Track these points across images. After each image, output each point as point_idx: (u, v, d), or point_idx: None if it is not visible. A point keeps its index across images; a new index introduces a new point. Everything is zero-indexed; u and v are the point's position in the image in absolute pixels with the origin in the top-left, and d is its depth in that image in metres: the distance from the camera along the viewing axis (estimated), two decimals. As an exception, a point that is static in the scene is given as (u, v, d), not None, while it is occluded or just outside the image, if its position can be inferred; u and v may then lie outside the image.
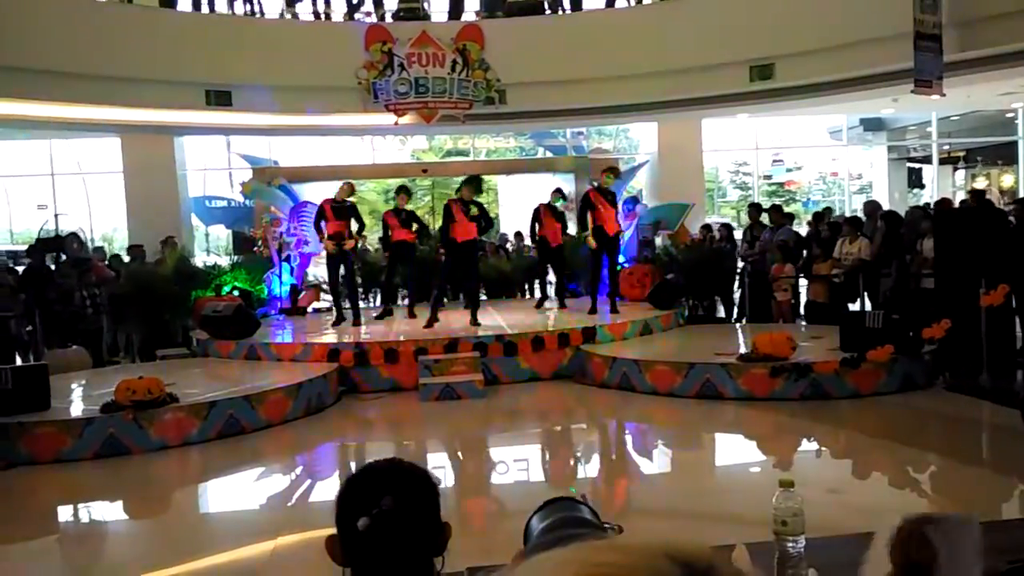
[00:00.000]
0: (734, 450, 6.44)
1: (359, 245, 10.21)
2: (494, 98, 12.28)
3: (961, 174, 18.52)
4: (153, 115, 12.10)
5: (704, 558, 0.50)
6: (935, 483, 5.14)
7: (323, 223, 9.38)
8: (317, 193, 11.76)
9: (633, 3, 12.73)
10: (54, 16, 10.59)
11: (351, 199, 9.68)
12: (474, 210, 8.90)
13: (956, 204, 11.27)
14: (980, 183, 17.90)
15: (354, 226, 9.52)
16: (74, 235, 10.53)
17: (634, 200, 12.29)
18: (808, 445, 6.32)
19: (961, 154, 18.31)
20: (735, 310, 11.26)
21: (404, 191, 9.88)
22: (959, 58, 9.97)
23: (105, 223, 17.05)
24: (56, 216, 14.62)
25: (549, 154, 19.78)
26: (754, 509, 4.18)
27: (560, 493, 1.38)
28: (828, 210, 11.84)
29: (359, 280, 10.91)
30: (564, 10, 12.85)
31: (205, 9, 12.30)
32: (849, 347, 7.14)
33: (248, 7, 12.42)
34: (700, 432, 6.75)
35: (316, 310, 11.26)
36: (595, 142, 20.95)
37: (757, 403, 6.88)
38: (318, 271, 11.41)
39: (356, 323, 9.49)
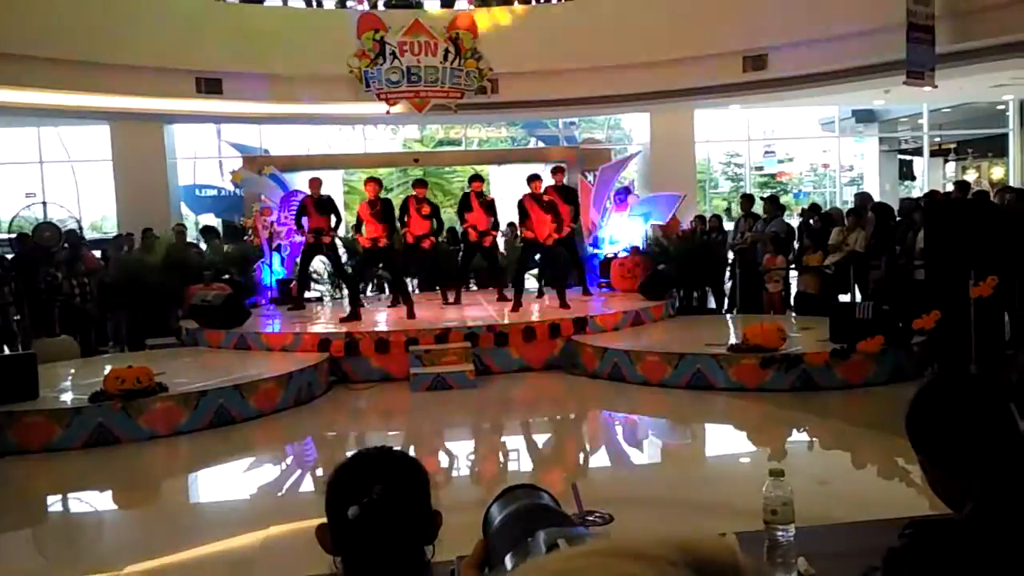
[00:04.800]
0: (724, 440, 6.46)
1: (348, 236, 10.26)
2: (486, 87, 12.24)
3: (952, 166, 18.57)
4: (143, 103, 12.03)
5: (728, 559, 0.47)
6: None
7: (304, 218, 9.69)
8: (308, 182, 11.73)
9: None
10: (42, 2, 10.50)
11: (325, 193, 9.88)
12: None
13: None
14: (970, 175, 17.96)
15: (332, 220, 9.70)
16: (47, 224, 10.45)
17: (626, 190, 12.27)
18: (798, 435, 6.35)
19: (952, 146, 18.37)
20: (726, 301, 11.28)
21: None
22: (952, 50, 9.99)
23: (94, 211, 16.95)
24: (44, 204, 14.52)
25: (541, 144, 19.78)
26: (744, 499, 4.19)
27: (551, 481, 1.38)
28: (816, 206, 11.85)
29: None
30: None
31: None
32: (839, 338, 7.17)
33: None
34: (690, 422, 6.77)
35: (307, 300, 11.22)
36: (586, 132, 20.92)
37: (747, 394, 6.90)
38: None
39: (353, 317, 8.93)
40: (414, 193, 9.89)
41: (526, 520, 0.96)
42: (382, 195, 9.48)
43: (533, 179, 9.20)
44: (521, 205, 9.18)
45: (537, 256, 9.74)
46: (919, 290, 7.83)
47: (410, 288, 10.46)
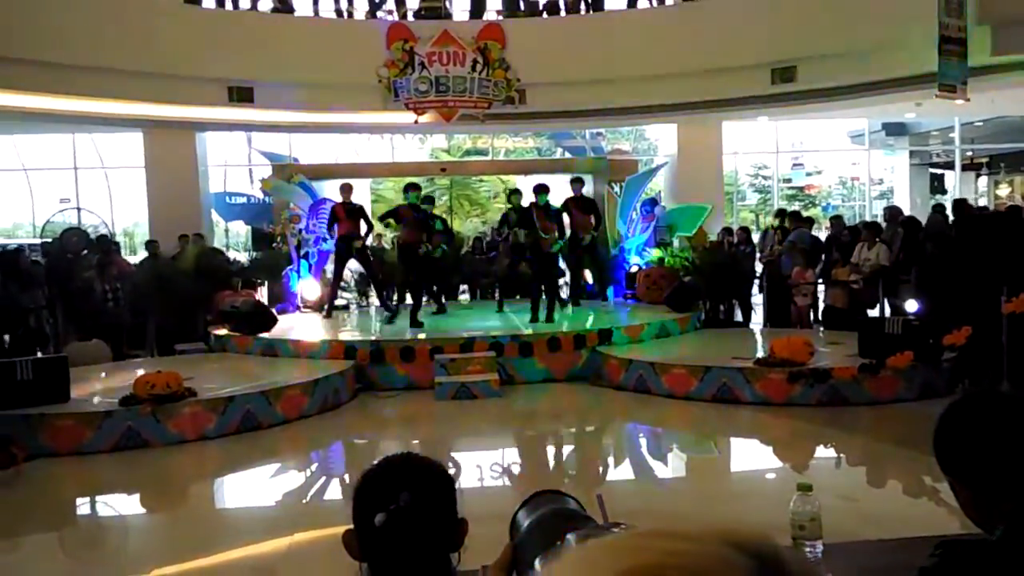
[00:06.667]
0: (750, 455, 6.41)
1: (373, 243, 10.37)
2: (514, 97, 12.28)
3: (984, 180, 18.34)
4: (176, 111, 12.20)
5: (768, 545, 0.48)
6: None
7: (335, 224, 9.91)
8: (337, 190, 11.83)
9: (655, 4, 12.70)
10: (79, 11, 10.70)
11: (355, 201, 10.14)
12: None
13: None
14: (1003, 190, 17.73)
15: (363, 227, 9.99)
16: (74, 229, 10.62)
17: (652, 202, 12.26)
18: (825, 451, 6.28)
19: (984, 160, 18.14)
20: (753, 314, 11.20)
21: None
22: (985, 63, 9.86)
23: (126, 217, 17.22)
24: (79, 210, 14.78)
25: (567, 154, 19.80)
26: (770, 514, 4.16)
27: (576, 493, 1.37)
28: (839, 218, 11.76)
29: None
30: (589, 9, 12.82)
31: (229, 6, 12.39)
32: (868, 353, 7.09)
33: (277, 2, 12.50)
34: (716, 436, 6.72)
35: (335, 307, 11.28)
36: (613, 143, 20.93)
37: (774, 408, 6.84)
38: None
39: (391, 320, 9.55)
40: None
41: (554, 524, 0.97)
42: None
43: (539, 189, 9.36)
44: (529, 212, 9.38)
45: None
46: (950, 305, 7.72)
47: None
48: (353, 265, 11.00)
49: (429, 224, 9.51)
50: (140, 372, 6.81)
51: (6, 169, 16.70)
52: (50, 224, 14.37)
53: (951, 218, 10.16)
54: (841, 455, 6.13)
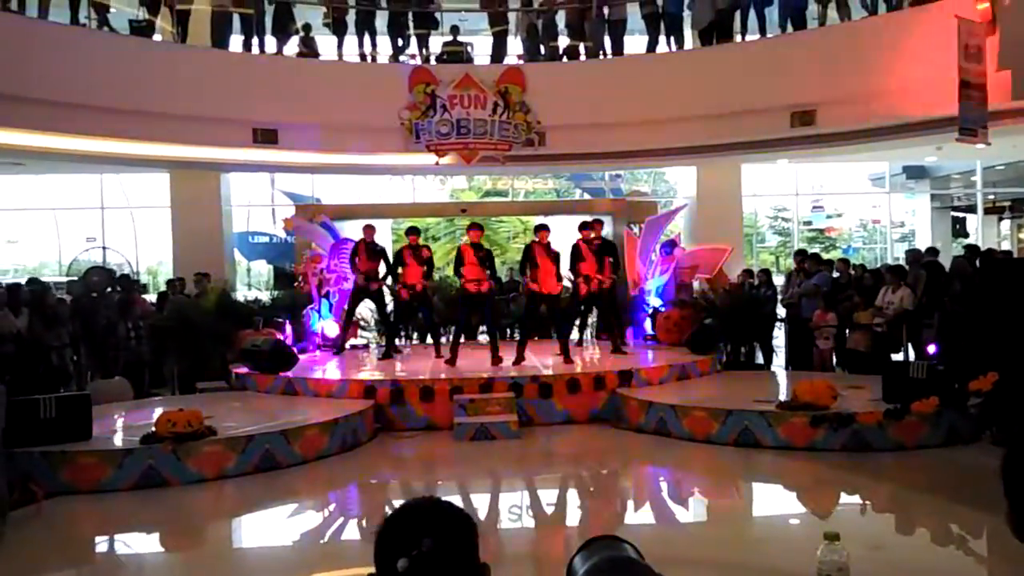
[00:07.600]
0: (772, 501, 6.31)
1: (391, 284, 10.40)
2: (534, 140, 12.40)
3: (1007, 224, 18.21)
4: (201, 152, 12.40)
5: None
6: (981, 541, 4.99)
7: (355, 260, 10.18)
8: (358, 231, 11.92)
9: (674, 48, 12.82)
10: (107, 55, 10.96)
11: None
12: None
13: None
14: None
15: (382, 268, 10.16)
16: (97, 268, 10.75)
17: (671, 243, 12.25)
18: (849, 498, 6.18)
19: (1007, 204, 18.03)
20: (774, 357, 11.11)
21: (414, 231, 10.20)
22: (1006, 107, 9.85)
23: (151, 256, 17.43)
24: (104, 249, 14.98)
25: (586, 196, 19.90)
26: (793, 562, 4.09)
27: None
28: (845, 261, 11.72)
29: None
30: (605, 54, 12.97)
31: (255, 50, 12.64)
32: (892, 398, 7.00)
33: (303, 47, 12.75)
34: (737, 481, 6.64)
35: (353, 346, 11.33)
36: (632, 184, 21.03)
37: (796, 453, 6.75)
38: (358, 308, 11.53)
39: (387, 357, 9.85)
40: (408, 241, 10.04)
41: (610, 573, 0.96)
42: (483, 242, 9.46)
43: (540, 229, 9.47)
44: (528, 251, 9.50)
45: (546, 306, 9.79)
46: (975, 350, 7.63)
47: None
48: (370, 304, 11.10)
49: (493, 262, 9.49)
50: (161, 410, 6.84)
51: (34, 208, 17.03)
52: (76, 263, 14.58)
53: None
54: (866, 502, 6.02)
